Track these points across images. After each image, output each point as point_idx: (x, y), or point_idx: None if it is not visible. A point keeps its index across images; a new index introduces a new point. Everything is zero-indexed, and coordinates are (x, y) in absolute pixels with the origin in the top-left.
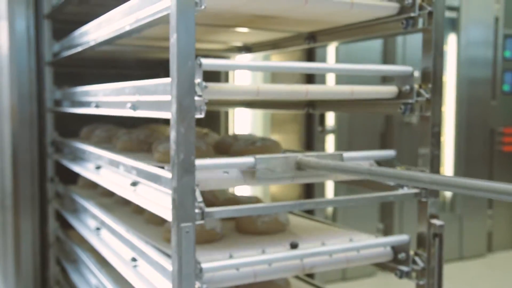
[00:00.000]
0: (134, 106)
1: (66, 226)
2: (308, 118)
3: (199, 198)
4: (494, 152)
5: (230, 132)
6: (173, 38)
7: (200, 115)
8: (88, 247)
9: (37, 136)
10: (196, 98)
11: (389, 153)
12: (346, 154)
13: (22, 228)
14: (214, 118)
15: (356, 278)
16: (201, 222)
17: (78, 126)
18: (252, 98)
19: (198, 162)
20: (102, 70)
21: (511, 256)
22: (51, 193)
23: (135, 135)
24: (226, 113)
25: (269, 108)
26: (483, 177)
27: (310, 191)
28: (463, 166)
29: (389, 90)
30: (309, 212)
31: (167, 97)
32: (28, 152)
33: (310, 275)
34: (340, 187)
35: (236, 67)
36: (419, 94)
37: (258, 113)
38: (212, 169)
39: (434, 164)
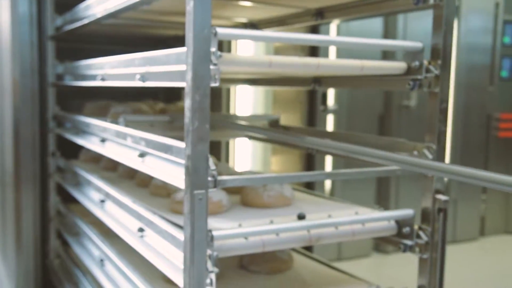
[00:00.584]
0: (144, 77)
1: (67, 200)
2: (311, 97)
3: (212, 166)
4: (490, 138)
5: (231, 111)
6: (189, 6)
7: (214, 84)
8: (90, 221)
9: (39, 110)
10: (211, 67)
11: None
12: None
13: (22, 202)
14: (215, 96)
15: (351, 258)
16: (214, 189)
17: (76, 102)
18: (264, 70)
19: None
20: (105, 46)
21: (503, 240)
22: (53, 167)
23: None
24: (228, 91)
25: (274, 85)
26: (478, 162)
27: (310, 167)
28: (459, 151)
29: (399, 65)
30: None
31: (181, 67)
32: (29, 126)
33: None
34: (338, 164)
35: (251, 37)
36: (428, 71)
37: (260, 91)
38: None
39: (441, 140)
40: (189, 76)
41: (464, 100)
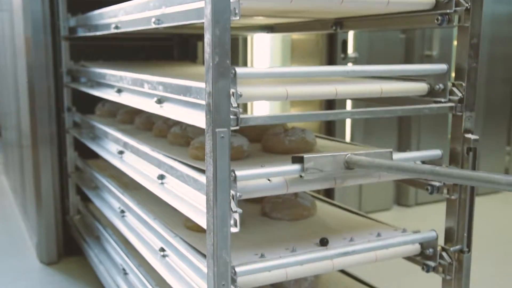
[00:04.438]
0: (159, 21)
1: (84, 157)
2: (330, 45)
3: (234, 103)
4: None
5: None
6: None
7: (235, 18)
8: (108, 174)
9: (53, 66)
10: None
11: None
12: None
13: (40, 159)
14: (232, 45)
15: (372, 212)
16: (236, 128)
17: (92, 58)
18: (285, 5)
19: (240, 173)
20: None
21: None
22: (69, 123)
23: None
24: (245, 41)
25: (292, 31)
26: (503, 113)
27: (331, 128)
28: (483, 101)
29: (427, 0)
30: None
31: (199, 4)
32: (44, 82)
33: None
34: (357, 122)
35: None
36: (457, 4)
37: (278, 41)
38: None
39: (471, 77)
40: (208, 10)
41: (488, 50)
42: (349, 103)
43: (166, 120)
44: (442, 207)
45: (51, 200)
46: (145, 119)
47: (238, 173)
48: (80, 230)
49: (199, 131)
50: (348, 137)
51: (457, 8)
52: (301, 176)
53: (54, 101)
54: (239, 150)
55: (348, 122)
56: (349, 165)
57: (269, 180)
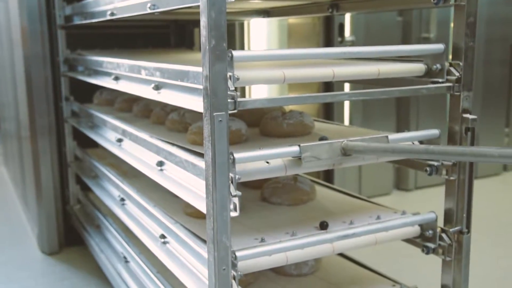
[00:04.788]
0: (155, 6)
1: (83, 145)
2: (327, 29)
3: (232, 87)
4: None
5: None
6: None
7: (231, 0)
8: (107, 163)
9: (50, 55)
10: None
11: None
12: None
13: (39, 148)
14: (229, 32)
15: (372, 196)
16: (234, 111)
17: (89, 46)
18: None
19: (238, 155)
20: None
21: None
22: (67, 112)
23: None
24: (242, 26)
25: (288, 14)
26: (501, 94)
27: (329, 112)
28: (481, 83)
29: None
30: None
31: None
32: (41, 72)
33: (330, 182)
34: (356, 106)
35: None
36: None
37: (274, 26)
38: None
39: (468, 57)
40: None
41: (485, 31)
42: (347, 87)
43: (164, 106)
44: (442, 190)
45: (51, 190)
46: (143, 106)
47: (237, 155)
48: (81, 220)
49: (197, 117)
50: (346, 121)
51: None
52: (300, 159)
53: (52, 90)
54: (238, 134)
55: (347, 106)
56: (345, 152)
57: (267, 162)
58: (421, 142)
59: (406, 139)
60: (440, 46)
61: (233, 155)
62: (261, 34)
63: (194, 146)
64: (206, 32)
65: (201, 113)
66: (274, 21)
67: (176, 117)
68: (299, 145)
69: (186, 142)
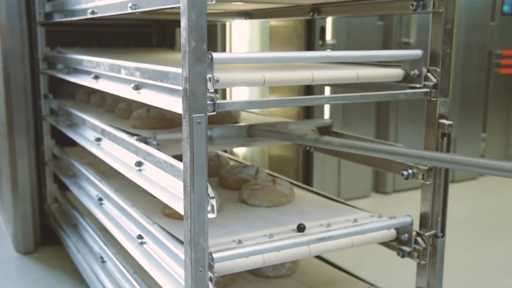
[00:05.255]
0: (136, 5)
1: (61, 143)
2: (309, 32)
3: (211, 89)
4: (491, 75)
5: (227, 49)
6: None
7: (211, 1)
8: (86, 162)
9: (28, 52)
10: None
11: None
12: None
13: (17, 147)
14: (210, 33)
15: (351, 199)
16: (213, 113)
17: (69, 44)
18: None
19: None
20: None
21: (502, 179)
22: (45, 109)
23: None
24: (224, 27)
25: (270, 17)
26: (479, 100)
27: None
28: (459, 90)
29: None
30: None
31: None
32: (19, 69)
33: (309, 184)
34: (335, 111)
35: None
36: None
37: (256, 28)
38: None
39: (445, 63)
40: None
41: (464, 37)
42: (327, 90)
43: (116, 98)
44: (419, 194)
45: (27, 188)
46: (99, 97)
47: None
48: (58, 219)
49: (142, 106)
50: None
51: None
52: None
53: (30, 88)
54: None
55: (327, 111)
56: (250, 134)
57: None
58: (318, 128)
59: (303, 124)
60: (418, 52)
61: None
62: (242, 35)
63: (134, 129)
64: (186, 34)
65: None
66: (256, 23)
67: (124, 106)
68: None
69: (129, 127)
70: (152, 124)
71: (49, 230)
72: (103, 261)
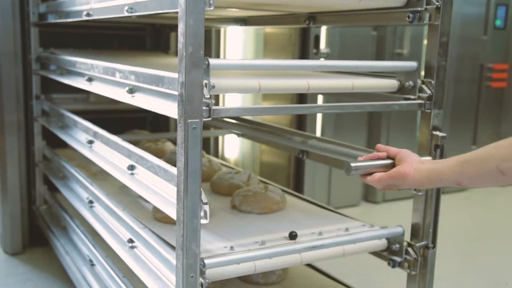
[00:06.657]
0: (132, 9)
1: (52, 145)
2: (303, 40)
3: (207, 94)
4: (482, 88)
5: (222, 55)
6: None
7: (209, 8)
8: (77, 164)
9: (21, 52)
10: None
11: None
12: None
13: (7, 147)
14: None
15: (340, 207)
16: (208, 119)
17: (63, 45)
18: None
19: None
20: None
21: (491, 191)
22: (37, 110)
23: None
24: (218, 32)
25: (266, 24)
26: (470, 113)
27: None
28: (450, 102)
29: None
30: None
31: None
32: (12, 69)
33: (299, 191)
34: (328, 119)
35: None
36: (428, 2)
37: (251, 34)
38: None
39: (440, 75)
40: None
41: (457, 50)
42: (320, 100)
43: None
44: (409, 204)
45: (17, 189)
46: None
47: None
48: (47, 220)
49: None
50: (318, 133)
51: (428, 7)
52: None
53: (23, 88)
54: None
55: (319, 119)
56: None
57: None
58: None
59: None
60: (413, 64)
61: None
62: (237, 41)
63: None
64: (183, 39)
65: None
66: (250, 29)
67: None
68: None
69: None
70: None
71: (38, 231)
72: (92, 264)
